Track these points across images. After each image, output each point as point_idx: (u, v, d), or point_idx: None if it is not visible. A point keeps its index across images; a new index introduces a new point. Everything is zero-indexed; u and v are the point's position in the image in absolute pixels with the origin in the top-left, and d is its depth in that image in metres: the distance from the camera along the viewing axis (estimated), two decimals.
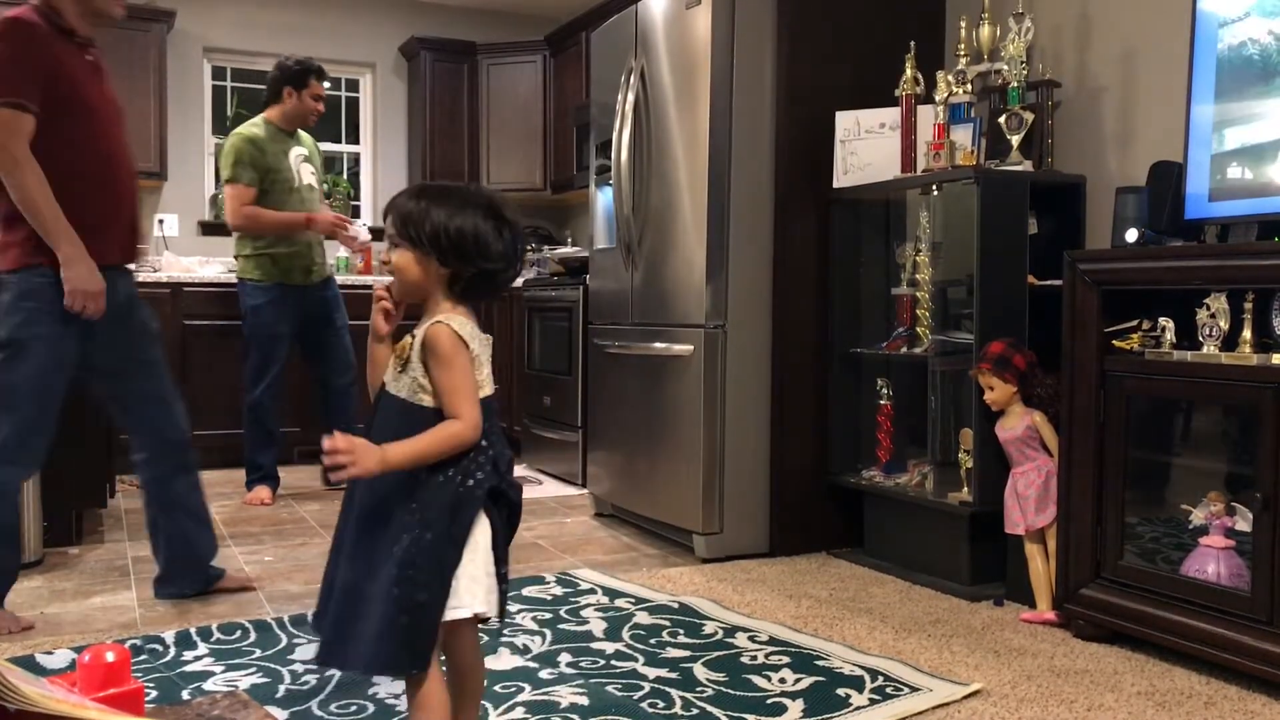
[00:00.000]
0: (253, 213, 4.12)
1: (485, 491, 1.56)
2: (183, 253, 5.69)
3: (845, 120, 3.38)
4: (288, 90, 4.16)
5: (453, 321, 1.55)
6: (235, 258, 4.33)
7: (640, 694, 2.15)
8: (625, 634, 2.56)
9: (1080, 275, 2.54)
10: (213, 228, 5.83)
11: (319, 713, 2.04)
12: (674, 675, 2.27)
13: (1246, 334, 2.26)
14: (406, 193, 1.60)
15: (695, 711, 2.06)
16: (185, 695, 2.12)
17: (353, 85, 6.34)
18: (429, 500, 1.52)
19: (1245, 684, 2.23)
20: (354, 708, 2.06)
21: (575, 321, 4.66)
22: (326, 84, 4.30)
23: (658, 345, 3.52)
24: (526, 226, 6.23)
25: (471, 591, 1.53)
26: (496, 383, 1.65)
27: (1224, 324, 2.29)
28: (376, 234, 6.06)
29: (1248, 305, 2.26)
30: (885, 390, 3.34)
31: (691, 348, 3.35)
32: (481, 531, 1.56)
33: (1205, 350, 2.32)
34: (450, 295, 1.59)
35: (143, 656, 2.35)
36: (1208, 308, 2.32)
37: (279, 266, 4.20)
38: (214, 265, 5.69)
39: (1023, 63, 3.09)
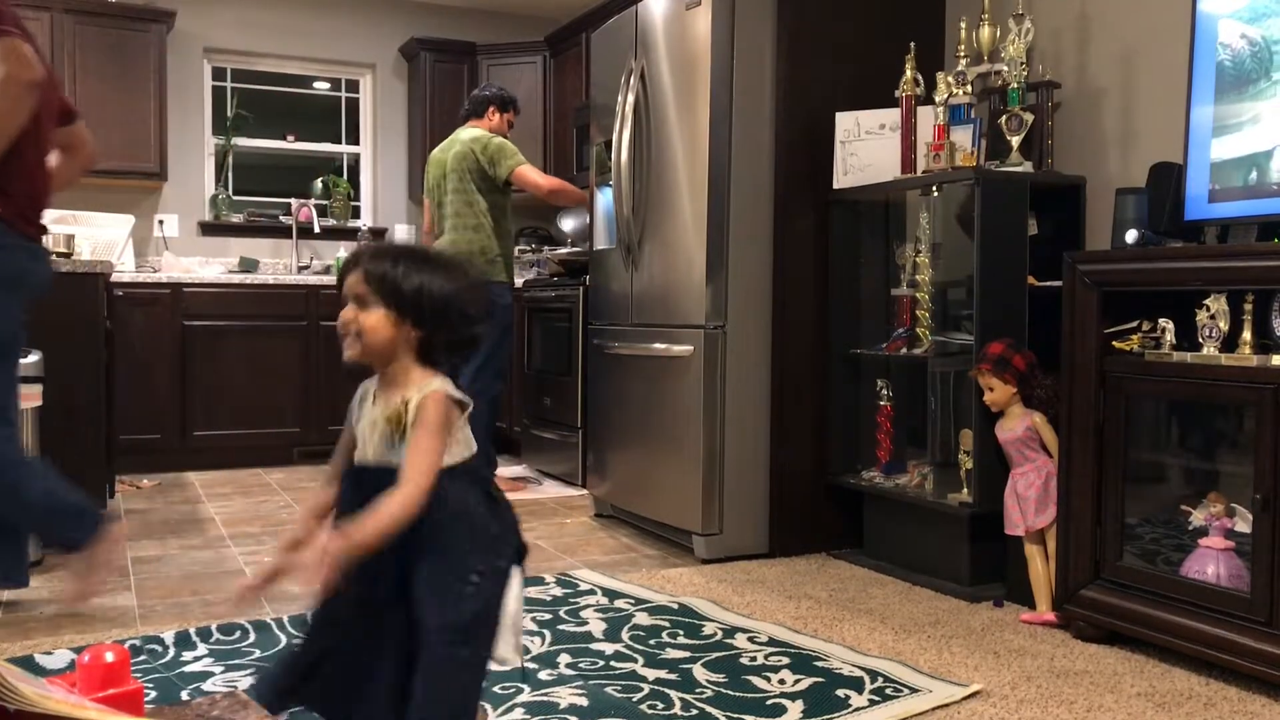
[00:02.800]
0: (560, 182, 4.33)
1: (516, 540, 1.56)
2: (182, 253, 5.70)
3: (845, 121, 3.38)
4: (493, 109, 4.33)
5: (450, 390, 1.50)
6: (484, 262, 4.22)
7: (640, 695, 2.15)
8: (625, 635, 2.56)
9: (1080, 276, 2.54)
10: (212, 228, 5.83)
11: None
12: (673, 676, 2.27)
13: (1246, 335, 2.26)
14: (378, 254, 1.52)
15: (695, 712, 2.06)
16: (185, 695, 2.12)
17: (353, 85, 6.34)
18: (459, 550, 1.49)
19: (1245, 685, 2.23)
20: None
21: (575, 322, 4.66)
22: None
23: (657, 346, 3.53)
24: (526, 227, 6.23)
25: (505, 639, 1.53)
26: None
27: (1223, 325, 2.29)
28: (378, 233, 6.10)
29: (1247, 306, 2.26)
30: (885, 391, 3.34)
31: (691, 348, 3.35)
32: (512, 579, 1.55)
33: (1205, 351, 2.32)
34: (419, 359, 1.53)
35: (142, 657, 2.35)
36: (1207, 309, 2.32)
37: (508, 270, 4.27)
38: (214, 266, 5.69)
39: (1022, 64, 3.09)
